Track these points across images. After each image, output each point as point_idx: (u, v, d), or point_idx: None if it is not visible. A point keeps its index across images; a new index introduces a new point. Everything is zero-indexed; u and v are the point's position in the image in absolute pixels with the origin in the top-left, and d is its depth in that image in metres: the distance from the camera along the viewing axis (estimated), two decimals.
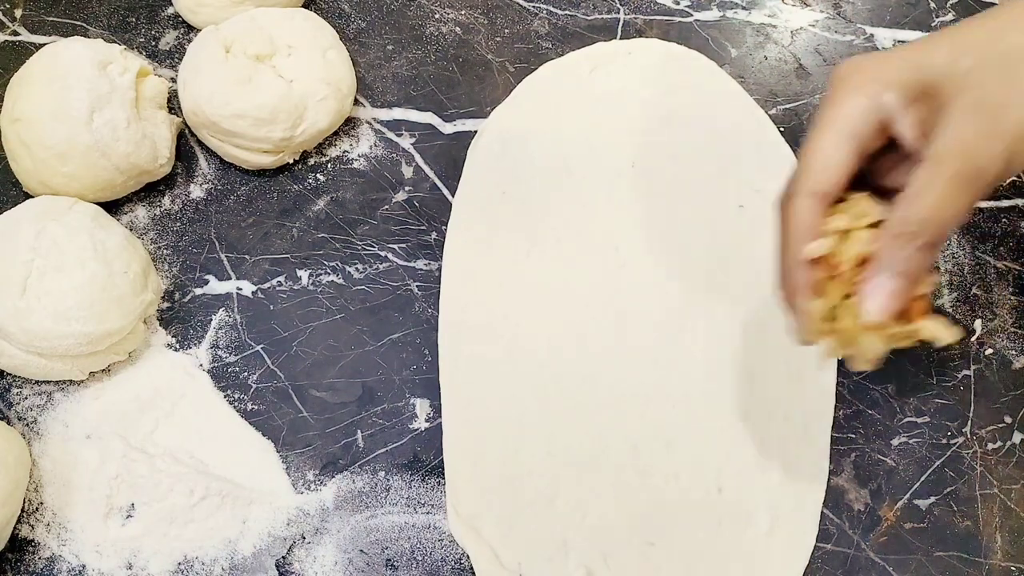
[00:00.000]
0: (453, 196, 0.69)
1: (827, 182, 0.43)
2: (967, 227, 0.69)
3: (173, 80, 0.73)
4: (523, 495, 0.58)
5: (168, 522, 0.58)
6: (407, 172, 0.70)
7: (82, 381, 0.61)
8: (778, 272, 0.46)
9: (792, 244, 0.44)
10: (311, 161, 0.71)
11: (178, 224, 0.68)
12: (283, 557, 0.57)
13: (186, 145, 0.71)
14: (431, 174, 0.70)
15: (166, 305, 0.65)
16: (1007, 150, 0.40)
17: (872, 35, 0.78)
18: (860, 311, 0.44)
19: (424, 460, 0.60)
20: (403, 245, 0.68)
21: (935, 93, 0.42)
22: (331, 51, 0.69)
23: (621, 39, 0.77)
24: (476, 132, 0.72)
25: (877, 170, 0.46)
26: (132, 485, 0.58)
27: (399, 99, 0.74)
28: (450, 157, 0.71)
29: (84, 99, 0.63)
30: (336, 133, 0.71)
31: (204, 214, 0.68)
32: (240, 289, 0.66)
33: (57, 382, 0.62)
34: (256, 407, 0.62)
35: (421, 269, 0.67)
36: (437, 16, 0.78)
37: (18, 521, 0.57)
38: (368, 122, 0.73)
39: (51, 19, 0.76)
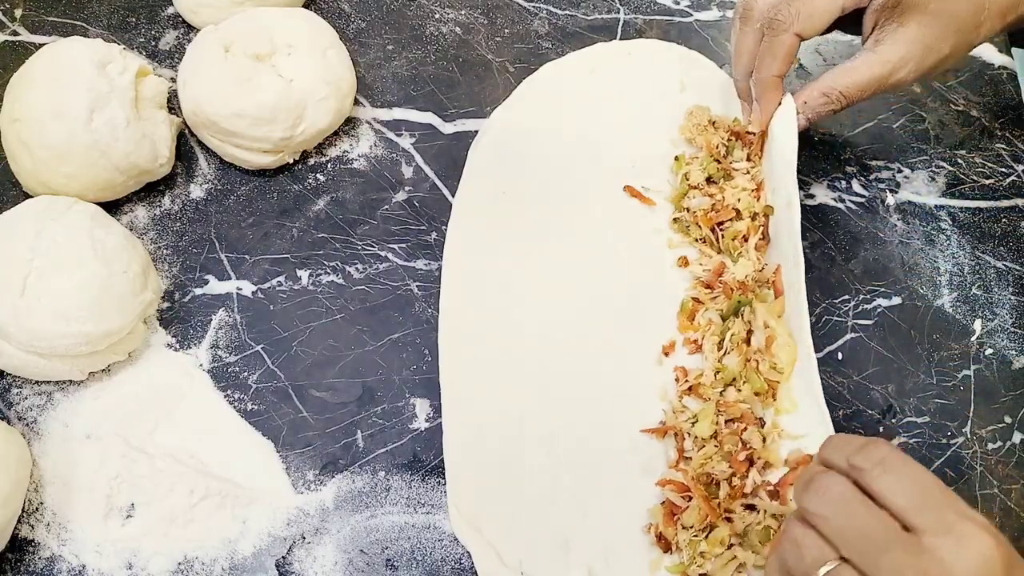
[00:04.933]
0: (453, 196, 0.69)
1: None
2: (967, 227, 0.69)
3: (173, 80, 0.73)
4: (524, 494, 0.58)
5: (168, 522, 0.58)
6: (407, 172, 0.70)
7: (82, 381, 0.61)
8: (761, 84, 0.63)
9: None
10: (311, 161, 0.71)
11: (178, 224, 0.68)
12: (283, 557, 0.57)
13: (186, 145, 0.71)
14: (431, 174, 0.70)
15: (166, 305, 0.65)
16: (919, 77, 0.60)
17: None
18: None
19: (424, 460, 0.60)
20: (403, 245, 0.68)
21: (900, 11, 0.58)
22: (331, 51, 0.69)
23: (621, 39, 0.77)
24: (476, 132, 0.71)
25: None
26: (132, 485, 0.58)
27: (399, 99, 0.74)
28: (450, 157, 0.71)
29: (83, 99, 0.62)
30: (336, 133, 0.71)
31: (204, 214, 0.68)
32: (240, 289, 0.66)
33: (57, 382, 0.62)
34: (256, 407, 0.62)
35: (421, 269, 0.67)
36: (437, 16, 0.78)
37: (18, 521, 0.57)
38: (368, 122, 0.73)
39: (51, 19, 0.76)
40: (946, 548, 0.40)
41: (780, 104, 0.63)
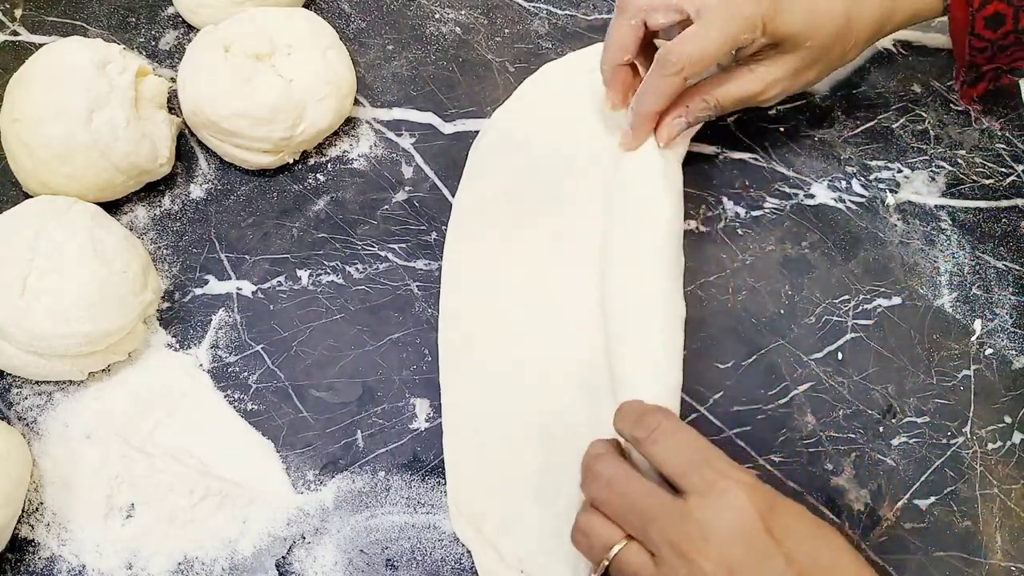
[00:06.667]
0: (453, 196, 0.69)
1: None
2: (967, 227, 0.69)
3: (173, 80, 0.73)
4: (524, 493, 0.58)
5: (168, 522, 0.58)
6: (407, 172, 0.70)
7: (82, 381, 0.61)
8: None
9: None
10: (311, 161, 0.71)
11: (178, 224, 0.68)
12: (283, 557, 0.57)
13: (186, 145, 0.71)
14: (431, 174, 0.70)
15: (166, 305, 0.65)
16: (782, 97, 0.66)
17: None
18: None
19: (424, 460, 0.60)
20: (403, 245, 0.68)
21: (779, 46, 0.63)
22: (331, 51, 0.69)
23: None
24: (476, 132, 0.71)
25: None
26: (132, 485, 0.58)
27: (399, 99, 0.74)
28: (450, 157, 0.71)
29: (83, 99, 0.62)
30: (336, 133, 0.71)
31: (204, 214, 0.68)
32: (240, 289, 0.66)
33: (57, 382, 0.62)
34: (256, 407, 0.62)
35: (421, 269, 0.67)
36: (437, 16, 0.78)
37: (18, 521, 0.57)
38: (368, 122, 0.73)
39: (51, 19, 0.76)
40: (704, 507, 0.44)
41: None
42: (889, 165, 0.72)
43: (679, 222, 0.63)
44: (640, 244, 0.61)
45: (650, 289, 0.60)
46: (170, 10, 0.76)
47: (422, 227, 0.68)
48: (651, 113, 0.63)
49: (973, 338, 0.65)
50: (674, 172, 0.65)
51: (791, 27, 0.61)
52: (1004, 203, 0.71)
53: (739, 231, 0.69)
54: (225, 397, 0.62)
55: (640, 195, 0.63)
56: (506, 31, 0.77)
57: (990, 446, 0.61)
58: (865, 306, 0.66)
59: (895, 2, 0.65)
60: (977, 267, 0.68)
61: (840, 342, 0.64)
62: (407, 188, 0.70)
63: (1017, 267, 0.68)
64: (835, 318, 0.65)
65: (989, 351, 0.65)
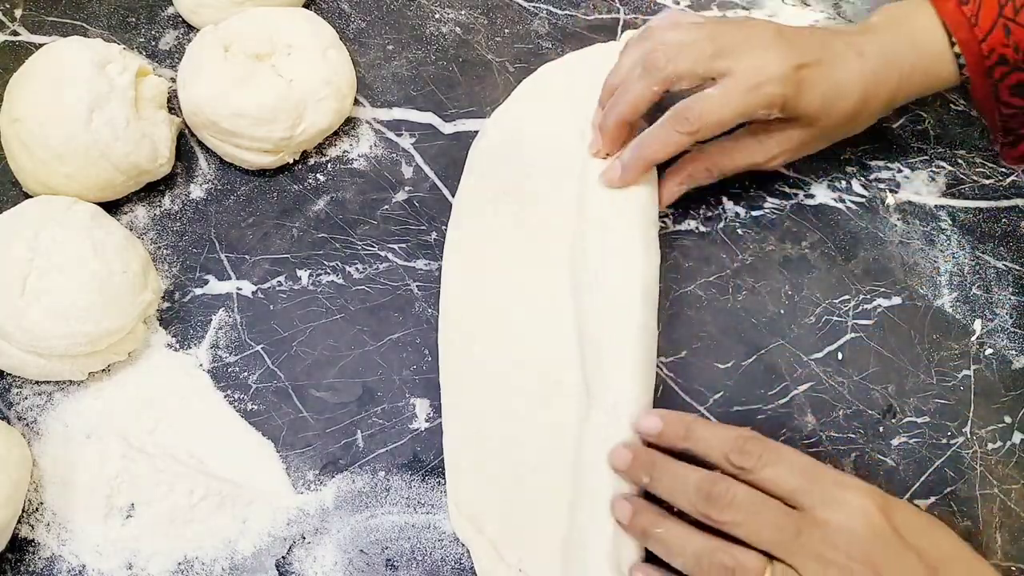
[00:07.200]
0: (453, 196, 0.69)
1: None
2: (967, 227, 0.69)
3: (173, 80, 0.73)
4: (524, 492, 0.58)
5: (168, 522, 0.58)
6: (407, 172, 0.70)
7: (82, 381, 0.61)
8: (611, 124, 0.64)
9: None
10: (311, 161, 0.71)
11: (178, 224, 0.68)
12: (283, 557, 0.57)
13: (186, 145, 0.71)
14: (431, 174, 0.70)
15: (166, 305, 0.65)
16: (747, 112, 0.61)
17: None
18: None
19: (424, 460, 0.60)
20: (403, 245, 0.68)
21: (792, 121, 0.63)
22: (331, 51, 0.69)
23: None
24: (476, 132, 0.72)
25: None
26: (132, 485, 0.58)
27: (399, 99, 0.74)
28: (450, 157, 0.71)
29: (83, 99, 0.62)
30: (336, 133, 0.71)
31: (204, 214, 0.68)
32: (240, 289, 0.66)
33: (57, 382, 0.62)
34: (256, 407, 0.62)
35: (421, 269, 0.67)
36: (437, 16, 0.78)
37: (18, 521, 0.57)
38: (368, 122, 0.73)
39: (51, 19, 0.76)
40: (836, 517, 0.46)
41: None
42: (889, 165, 0.72)
43: (653, 225, 0.63)
44: (605, 245, 0.61)
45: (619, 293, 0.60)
46: (170, 10, 0.76)
47: (422, 227, 0.68)
48: (651, 160, 0.62)
49: (973, 338, 0.65)
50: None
51: (809, 108, 0.61)
52: (1004, 203, 0.71)
53: (739, 231, 0.69)
54: (225, 397, 0.62)
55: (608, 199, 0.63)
56: (506, 31, 0.77)
57: (990, 446, 0.61)
58: (865, 306, 0.66)
59: (910, 78, 0.64)
60: (977, 267, 0.68)
61: (840, 342, 0.65)
62: (407, 188, 0.70)
63: (1017, 267, 0.68)
64: (835, 318, 0.66)
65: (989, 351, 0.65)
